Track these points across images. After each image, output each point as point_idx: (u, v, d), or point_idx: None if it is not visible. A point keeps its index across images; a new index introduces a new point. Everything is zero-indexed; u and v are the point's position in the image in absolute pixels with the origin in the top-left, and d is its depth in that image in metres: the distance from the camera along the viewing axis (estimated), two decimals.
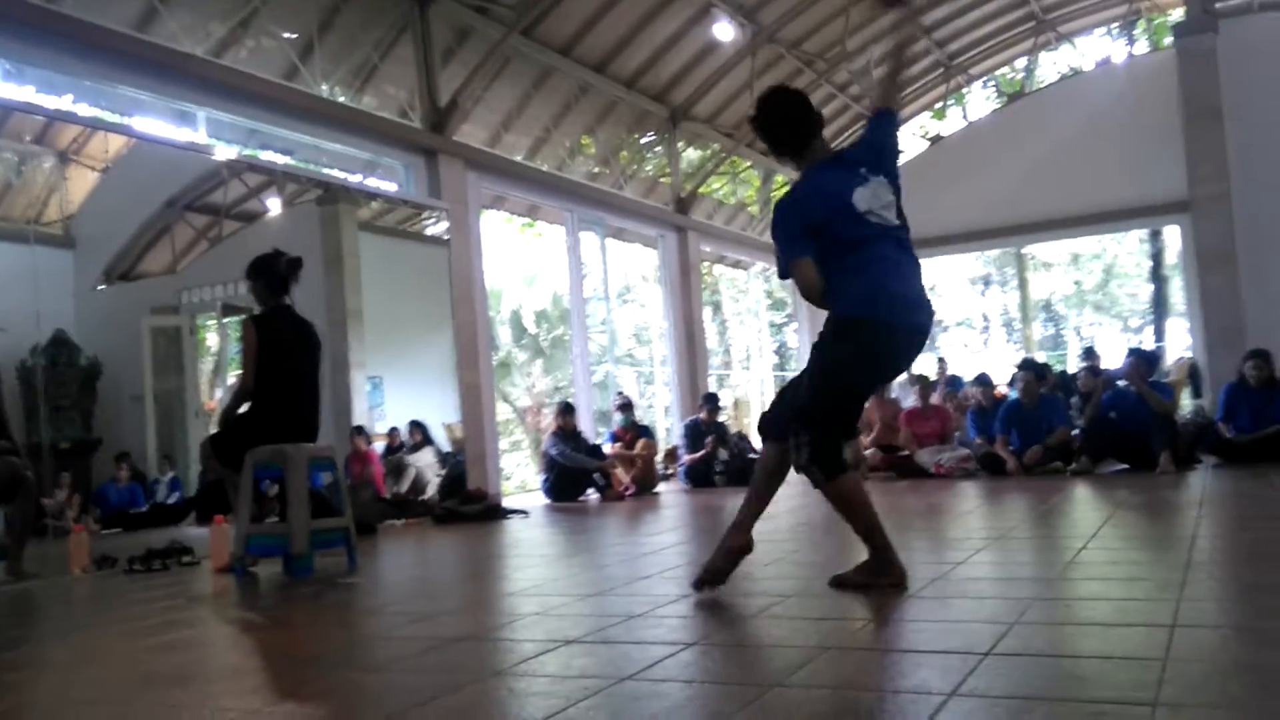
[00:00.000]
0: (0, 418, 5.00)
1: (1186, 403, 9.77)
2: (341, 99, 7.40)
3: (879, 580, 2.81)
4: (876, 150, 3.00)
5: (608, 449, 8.39)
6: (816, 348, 2.90)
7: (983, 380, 8.06)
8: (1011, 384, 8.87)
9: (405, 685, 2.13)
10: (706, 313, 11.87)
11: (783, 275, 2.94)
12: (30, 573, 4.77)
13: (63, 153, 9.66)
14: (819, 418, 2.80)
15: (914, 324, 2.88)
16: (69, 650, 3.03)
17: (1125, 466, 7.00)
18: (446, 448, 8.80)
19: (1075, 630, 2.31)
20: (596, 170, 10.52)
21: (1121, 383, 7.30)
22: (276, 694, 2.20)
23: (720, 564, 2.89)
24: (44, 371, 8.34)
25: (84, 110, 5.91)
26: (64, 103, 5.71)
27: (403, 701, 1.97)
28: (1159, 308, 19.59)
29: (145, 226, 10.21)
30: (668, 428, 11.33)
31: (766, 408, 3.17)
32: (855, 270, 2.80)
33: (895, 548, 2.86)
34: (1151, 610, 2.41)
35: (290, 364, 4.52)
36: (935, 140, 13.88)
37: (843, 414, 2.90)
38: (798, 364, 14.76)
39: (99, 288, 10.07)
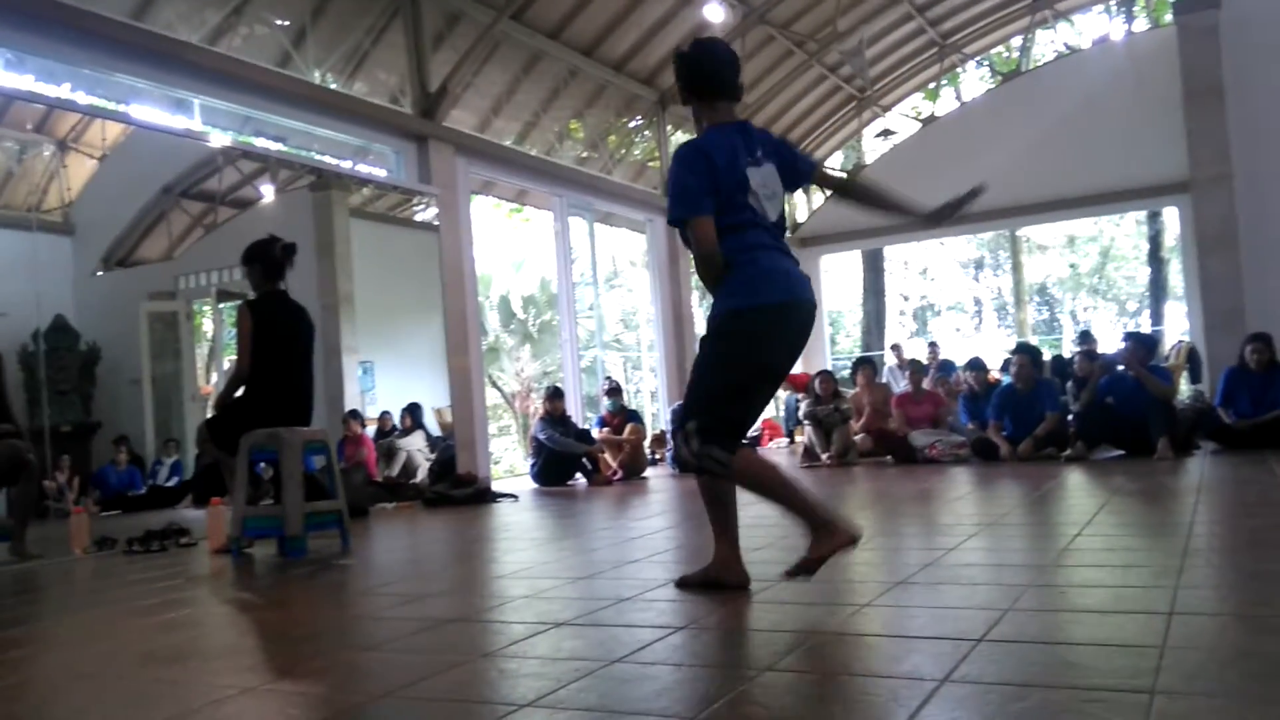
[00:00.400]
0: (3, 401, 5.06)
1: (1185, 388, 9.78)
2: (333, 85, 7.42)
3: (836, 544, 2.63)
4: (786, 152, 2.88)
5: (596, 434, 8.44)
6: (708, 339, 2.76)
7: (976, 364, 8.06)
8: (1005, 368, 8.89)
9: (399, 664, 2.19)
10: (694, 297, 11.90)
11: (674, 222, 2.73)
12: (33, 553, 4.85)
13: (62, 141, 9.66)
14: (710, 404, 2.68)
15: (806, 299, 2.77)
16: (72, 628, 3.10)
17: (1121, 453, 6.94)
18: (436, 432, 8.87)
19: (1070, 617, 2.30)
20: (585, 155, 10.54)
21: (1120, 367, 7.22)
22: (273, 672, 2.26)
23: (697, 582, 2.80)
24: (45, 356, 8.39)
25: (82, 98, 5.93)
26: (63, 91, 5.74)
27: (396, 680, 2.02)
28: (1157, 291, 19.53)
29: (142, 213, 10.23)
30: (654, 412, 11.38)
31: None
32: (742, 254, 2.69)
33: (892, 533, 2.93)
34: (1148, 597, 2.39)
35: (285, 349, 4.58)
36: (928, 121, 13.87)
37: (739, 402, 2.73)
38: None
39: (97, 274, 10.11)
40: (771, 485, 2.67)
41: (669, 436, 9.01)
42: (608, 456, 8.21)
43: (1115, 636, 2.04)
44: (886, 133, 13.78)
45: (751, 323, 2.68)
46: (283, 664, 2.35)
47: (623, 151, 11.26)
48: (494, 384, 18.18)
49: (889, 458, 7.97)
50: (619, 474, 8.10)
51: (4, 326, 7.03)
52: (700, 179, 2.67)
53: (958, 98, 15.21)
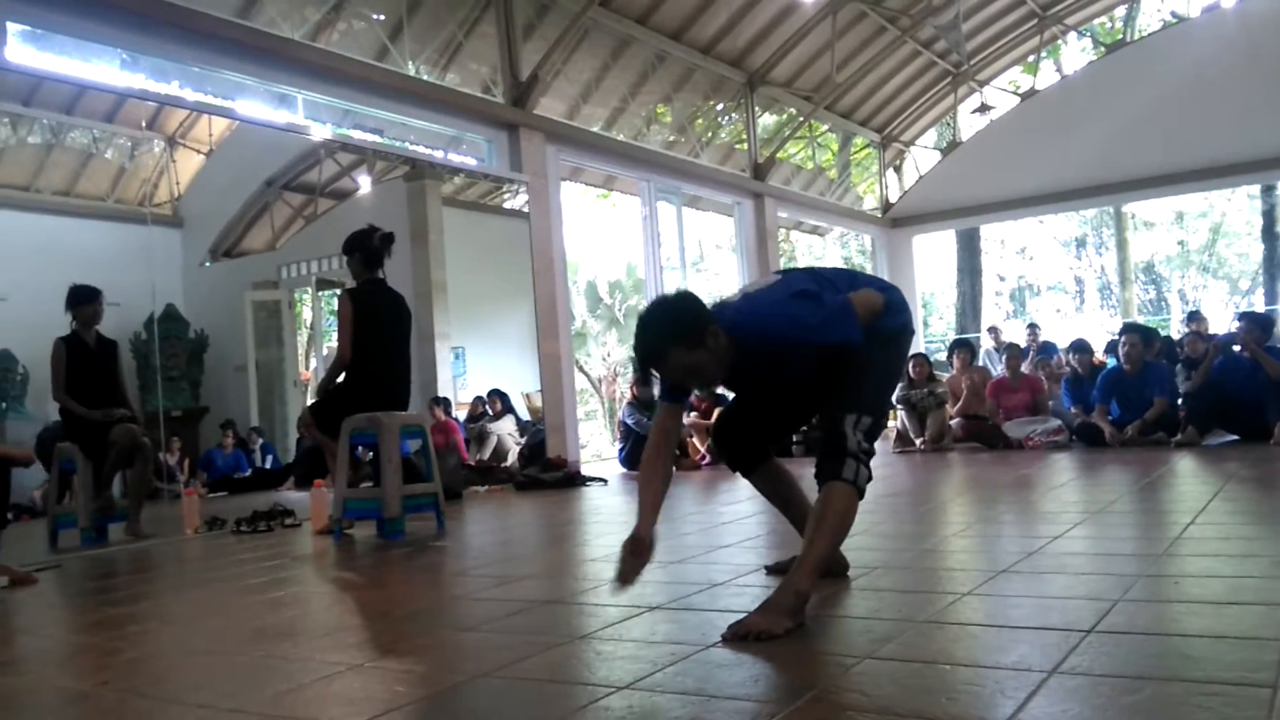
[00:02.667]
0: (119, 387, 5.32)
1: None
2: (427, 77, 7.57)
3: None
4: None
5: (685, 419, 8.42)
6: (878, 346, 2.48)
7: (1080, 346, 7.77)
8: (1109, 350, 8.56)
9: (497, 645, 2.23)
10: None
11: (858, 338, 2.40)
12: (147, 533, 5.10)
13: (171, 137, 10.12)
14: (881, 406, 2.54)
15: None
16: (186, 605, 3.26)
17: (1235, 437, 6.65)
18: (525, 416, 9.00)
19: (1184, 608, 2.19)
20: (672, 139, 10.51)
21: (1236, 348, 6.92)
22: (377, 649, 2.32)
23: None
24: (157, 343, 8.81)
25: (190, 95, 6.19)
26: (172, 89, 6.00)
27: (495, 660, 2.06)
28: (1271, 268, 18.71)
29: (247, 205, 10.64)
30: None
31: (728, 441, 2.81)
32: (878, 281, 2.70)
33: (991, 520, 2.84)
34: (1267, 588, 2.28)
35: (384, 335, 4.69)
36: (1027, 95, 13.40)
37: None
38: None
39: (205, 264, 10.56)
40: (849, 525, 2.42)
41: None
42: (695, 441, 8.20)
43: (1233, 628, 1.95)
44: (984, 108, 13.36)
45: (908, 343, 2.68)
46: (386, 642, 2.40)
47: (710, 134, 11.19)
48: (580, 369, 18.38)
49: (980, 443, 7.76)
50: (707, 459, 8.08)
51: (118, 316, 7.38)
52: (823, 281, 2.56)
53: (1058, 71, 14.67)
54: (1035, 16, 12.62)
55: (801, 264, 19.15)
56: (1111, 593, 2.28)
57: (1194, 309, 12.26)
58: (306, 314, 11.55)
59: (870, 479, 2.38)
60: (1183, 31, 12.45)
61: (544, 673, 1.97)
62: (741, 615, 2.16)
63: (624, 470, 8.08)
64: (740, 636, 2.07)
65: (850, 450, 2.34)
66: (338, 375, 4.73)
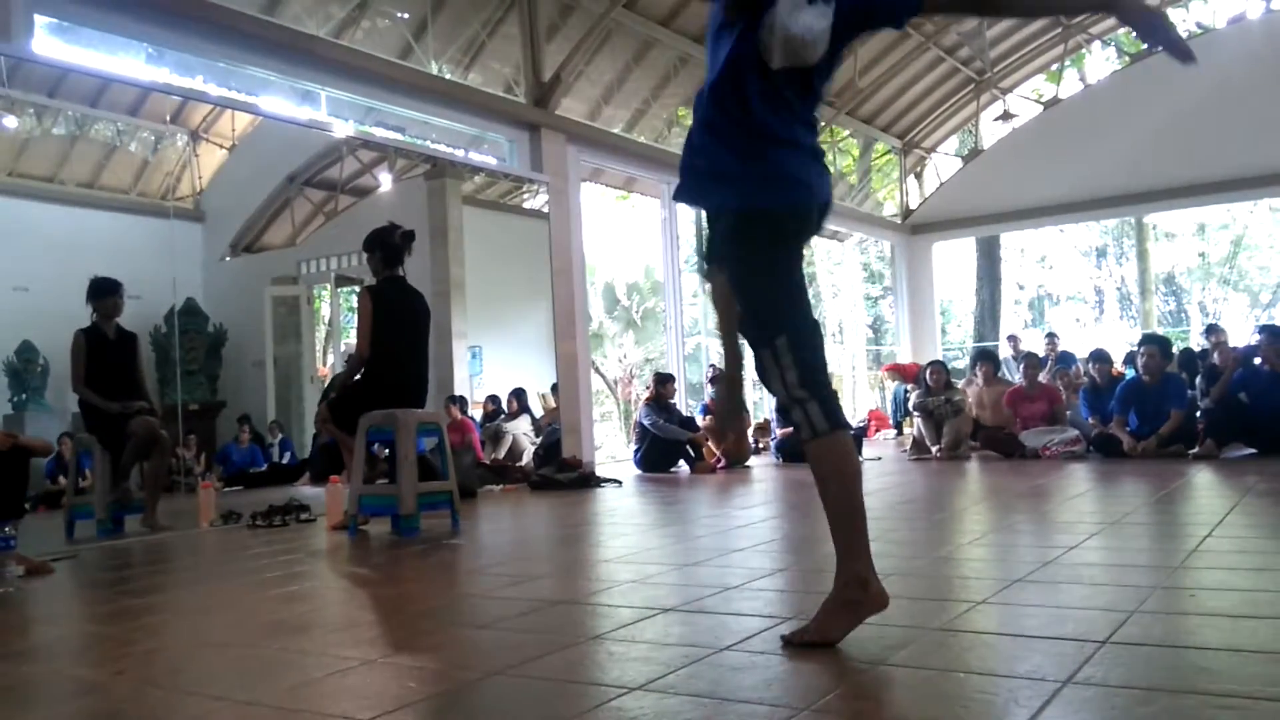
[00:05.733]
0: (138, 380, 5.36)
1: None
2: (450, 76, 7.60)
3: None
4: None
5: (700, 421, 8.41)
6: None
7: (1100, 356, 7.72)
8: (1128, 361, 8.50)
9: (510, 643, 2.24)
10: None
11: None
12: (163, 525, 5.14)
13: (194, 131, 10.18)
14: (802, 349, 2.11)
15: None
16: (201, 597, 3.27)
17: (1254, 451, 6.58)
18: (539, 414, 9.01)
19: (1200, 621, 2.19)
20: None
21: (1256, 361, 6.88)
22: (391, 645, 2.33)
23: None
24: (177, 337, 8.87)
25: (214, 90, 6.24)
26: (196, 83, 6.05)
27: (509, 658, 2.06)
28: None
29: (268, 201, 10.70)
30: (756, 401, 11.27)
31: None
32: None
33: (1007, 529, 2.83)
34: None
35: (402, 333, 4.71)
36: (1050, 104, 13.33)
37: None
38: (893, 339, 14.49)
39: (225, 259, 10.62)
40: (846, 471, 2.07)
41: (773, 425, 8.93)
42: (711, 444, 8.18)
43: (1249, 642, 1.94)
44: (1006, 115, 13.30)
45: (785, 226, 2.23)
46: (400, 638, 2.41)
47: None
48: (597, 370, 18.41)
49: (992, 453, 7.72)
50: (722, 462, 8.06)
51: (138, 308, 7.44)
52: None
53: (1082, 80, 14.56)
54: (1060, 25, 12.54)
55: (820, 271, 19.17)
56: (1127, 604, 2.27)
57: (1213, 321, 12.14)
58: (325, 310, 11.60)
59: (827, 405, 2.00)
60: (1207, 42, 12.33)
61: (557, 672, 1.98)
62: (755, 617, 2.15)
63: (639, 472, 8.07)
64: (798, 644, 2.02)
65: (783, 402, 2.05)
66: (356, 372, 4.75)
